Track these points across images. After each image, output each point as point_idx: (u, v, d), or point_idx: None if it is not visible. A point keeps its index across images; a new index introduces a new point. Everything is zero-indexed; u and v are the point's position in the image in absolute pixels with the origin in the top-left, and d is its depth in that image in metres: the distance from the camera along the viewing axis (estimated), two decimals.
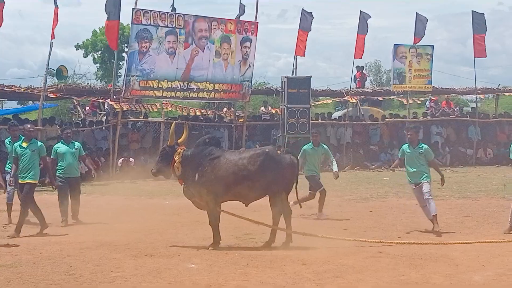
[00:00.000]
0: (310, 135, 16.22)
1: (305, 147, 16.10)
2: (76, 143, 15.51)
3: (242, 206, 12.46)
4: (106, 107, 27.04)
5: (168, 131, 26.59)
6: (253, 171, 11.82)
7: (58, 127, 24.10)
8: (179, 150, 12.23)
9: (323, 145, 16.43)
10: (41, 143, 13.85)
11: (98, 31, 50.03)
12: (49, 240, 12.69)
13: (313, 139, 16.26)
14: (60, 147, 15.00)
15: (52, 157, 15.00)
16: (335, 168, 16.01)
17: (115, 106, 24.74)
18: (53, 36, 23.90)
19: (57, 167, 14.87)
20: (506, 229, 13.28)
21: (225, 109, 29.54)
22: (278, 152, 12.43)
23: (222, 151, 12.40)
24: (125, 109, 25.02)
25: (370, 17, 30.34)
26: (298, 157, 14.00)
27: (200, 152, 12.17)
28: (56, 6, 23.86)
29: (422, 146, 13.92)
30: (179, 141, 12.57)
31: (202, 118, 28.29)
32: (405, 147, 14.15)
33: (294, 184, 12.20)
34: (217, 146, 12.43)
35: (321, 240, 11.97)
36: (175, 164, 12.07)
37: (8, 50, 76.47)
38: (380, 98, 33.31)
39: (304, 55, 29.67)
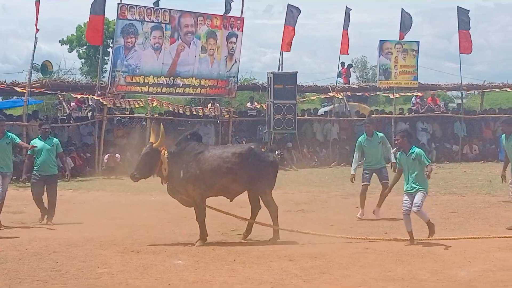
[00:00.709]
0: (363, 125, 15.90)
1: (359, 139, 15.49)
2: (54, 139, 14.85)
3: (228, 202, 12.49)
4: (91, 102, 26.92)
5: (155, 127, 26.68)
6: (237, 165, 11.91)
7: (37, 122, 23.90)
8: (163, 150, 12.16)
9: (377, 133, 15.63)
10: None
11: (82, 26, 49.76)
12: (35, 236, 12.62)
13: (366, 129, 15.54)
14: (37, 142, 14.37)
15: (28, 153, 14.68)
16: (392, 159, 15.23)
17: (101, 101, 24.63)
18: (37, 30, 23.75)
19: (33, 164, 14.40)
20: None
21: (209, 105, 29.49)
22: (262, 149, 12.49)
23: (206, 146, 12.50)
24: (110, 105, 24.90)
25: (351, 9, 30.31)
26: (355, 152, 15.05)
27: (183, 148, 12.15)
28: (38, 0, 23.63)
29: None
30: (154, 145, 12.42)
31: (188, 114, 28.17)
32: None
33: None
34: (199, 141, 12.42)
35: (307, 236, 11.98)
36: (163, 165, 12.00)
37: None
38: (366, 94, 33.33)
39: (289, 50, 29.63)
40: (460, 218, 14.79)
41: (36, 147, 13.93)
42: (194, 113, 27.27)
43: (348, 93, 31.99)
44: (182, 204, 12.39)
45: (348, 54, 31.80)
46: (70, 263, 10.39)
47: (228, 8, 27.22)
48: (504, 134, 14.34)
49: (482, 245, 11.82)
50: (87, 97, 26.60)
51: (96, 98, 24.94)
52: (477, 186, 20.40)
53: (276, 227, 12.09)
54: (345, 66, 33.84)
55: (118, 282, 9.26)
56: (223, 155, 12.00)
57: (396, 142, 12.85)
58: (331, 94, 30.20)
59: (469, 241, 12.15)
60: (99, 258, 10.80)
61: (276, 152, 26.79)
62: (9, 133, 13.77)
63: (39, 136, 14.76)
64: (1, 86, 24.20)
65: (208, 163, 11.91)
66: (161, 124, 13.18)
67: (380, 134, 15.54)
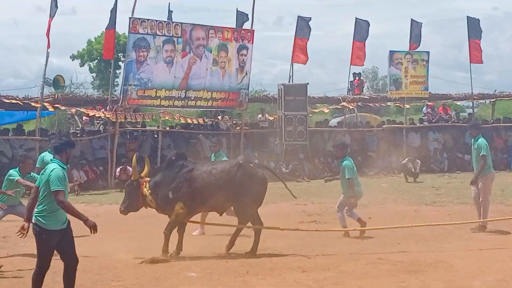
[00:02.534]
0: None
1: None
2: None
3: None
4: (102, 116, 27.03)
5: (166, 139, 26.82)
6: (226, 181, 11.96)
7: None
8: (144, 182, 12.24)
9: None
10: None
11: (93, 40, 50.03)
12: None
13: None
14: (47, 156, 14.59)
15: (37, 166, 14.76)
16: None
17: (111, 118, 24.78)
18: (48, 46, 23.98)
19: None
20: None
21: (219, 117, 29.55)
22: (251, 165, 12.62)
23: (194, 163, 12.47)
24: (120, 120, 25.00)
25: (367, 23, 30.39)
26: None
27: (170, 171, 12.24)
28: (51, 16, 23.89)
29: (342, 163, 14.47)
30: (142, 174, 12.57)
31: (202, 123, 28.24)
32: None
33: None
34: (185, 159, 12.46)
35: (321, 247, 11.99)
36: (147, 198, 12.11)
37: (3, 59, 76.38)
38: (377, 104, 33.33)
39: (305, 63, 29.71)
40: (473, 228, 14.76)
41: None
42: (209, 122, 27.40)
43: (359, 104, 32.01)
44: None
45: (362, 65, 31.91)
46: (85, 276, 10.45)
47: (245, 20, 27.35)
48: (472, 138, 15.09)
49: (496, 254, 11.81)
50: (99, 114, 26.65)
51: (107, 115, 25.01)
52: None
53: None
54: (357, 77, 33.87)
55: None
56: (213, 171, 12.07)
57: (334, 152, 14.18)
58: (343, 104, 30.19)
59: (483, 250, 12.15)
60: (113, 271, 10.86)
61: (290, 165, 26.91)
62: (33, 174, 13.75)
63: (49, 149, 14.85)
64: (14, 101, 24.35)
65: (200, 180, 12.00)
66: (133, 156, 13.23)
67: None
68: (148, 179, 12.43)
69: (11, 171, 12.63)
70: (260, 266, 11.04)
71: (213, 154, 15.75)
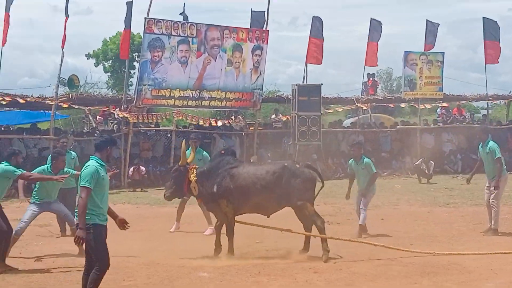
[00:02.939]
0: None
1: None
2: (73, 153, 15.41)
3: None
4: (116, 116, 27.11)
5: (179, 141, 26.84)
6: (271, 183, 11.88)
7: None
8: (192, 169, 12.24)
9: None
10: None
11: (108, 40, 50.22)
12: (61, 248, 12.74)
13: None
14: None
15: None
16: None
17: (126, 116, 24.84)
18: (63, 45, 24.09)
19: None
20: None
21: (233, 117, 29.55)
22: (297, 166, 12.47)
23: (240, 162, 12.57)
24: (135, 121, 25.04)
25: (381, 23, 30.36)
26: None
27: (217, 164, 12.24)
28: (67, 16, 24.03)
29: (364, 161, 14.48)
30: (188, 160, 12.61)
31: (214, 125, 28.25)
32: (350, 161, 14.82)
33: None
34: (233, 156, 12.53)
35: (333, 248, 11.95)
36: (192, 184, 12.07)
37: (19, 59, 76.61)
38: (391, 105, 33.25)
39: (321, 63, 29.69)
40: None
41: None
42: (220, 124, 27.42)
43: (374, 104, 31.94)
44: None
45: (376, 66, 31.83)
46: None
47: (255, 25, 27.35)
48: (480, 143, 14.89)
49: (509, 256, 11.75)
50: (113, 111, 26.72)
51: (121, 114, 25.08)
52: (504, 197, 20.12)
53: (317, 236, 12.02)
54: (371, 78, 33.79)
55: None
56: (257, 172, 12.02)
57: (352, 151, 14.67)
58: (357, 105, 30.14)
59: (496, 252, 12.08)
60: (125, 270, 10.89)
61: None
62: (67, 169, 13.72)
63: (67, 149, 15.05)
64: (29, 100, 24.47)
65: (242, 179, 11.95)
66: (182, 142, 13.22)
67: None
68: (195, 166, 12.48)
69: (6, 167, 11.92)
70: (272, 266, 11.04)
71: (189, 149, 15.34)
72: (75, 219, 9.46)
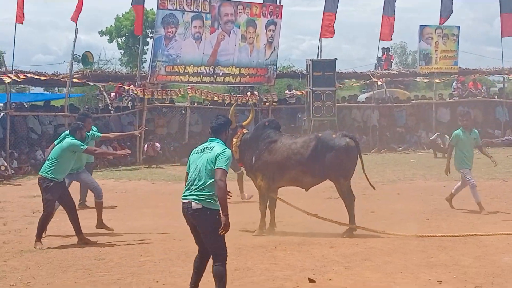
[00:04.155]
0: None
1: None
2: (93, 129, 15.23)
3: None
4: (131, 92, 27.11)
5: (194, 117, 26.85)
6: (306, 156, 11.72)
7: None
8: (239, 133, 12.17)
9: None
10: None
11: (121, 16, 50.12)
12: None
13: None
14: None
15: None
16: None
17: (138, 93, 24.84)
18: (76, 22, 24.06)
19: None
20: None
21: (248, 93, 29.51)
22: (334, 136, 12.06)
23: (280, 135, 12.22)
24: (148, 96, 25.01)
25: None
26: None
27: (258, 135, 12.14)
28: None
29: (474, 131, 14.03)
30: (243, 123, 12.56)
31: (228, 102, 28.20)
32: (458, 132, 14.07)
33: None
34: (276, 129, 12.28)
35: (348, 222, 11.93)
36: (233, 147, 11.90)
37: (32, 36, 76.75)
38: (406, 79, 33.08)
39: (332, 37, 29.50)
40: (503, 203, 14.66)
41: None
42: (233, 102, 27.38)
43: (389, 79, 31.79)
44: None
45: (391, 40, 31.63)
46: (113, 252, 10.54)
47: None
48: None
49: None
50: (128, 88, 26.71)
51: (135, 91, 25.05)
52: (504, 173, 20.11)
53: (353, 226, 11.77)
54: (385, 53, 33.58)
55: (160, 270, 9.36)
56: (292, 146, 11.87)
57: (464, 121, 13.93)
58: (372, 80, 30.00)
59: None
60: (142, 246, 10.93)
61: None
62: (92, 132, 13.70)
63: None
64: (43, 77, 24.49)
65: (279, 153, 11.84)
66: (232, 106, 13.23)
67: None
68: (246, 130, 12.45)
69: (73, 141, 11.45)
70: (288, 241, 11.05)
71: None
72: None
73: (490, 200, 15.06)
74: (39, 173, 11.48)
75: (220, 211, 7.55)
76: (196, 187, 7.66)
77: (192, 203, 7.64)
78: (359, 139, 27.27)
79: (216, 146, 7.74)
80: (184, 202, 7.74)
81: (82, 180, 12.84)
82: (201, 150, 7.85)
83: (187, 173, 7.91)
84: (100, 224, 12.32)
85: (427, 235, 11.36)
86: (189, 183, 7.77)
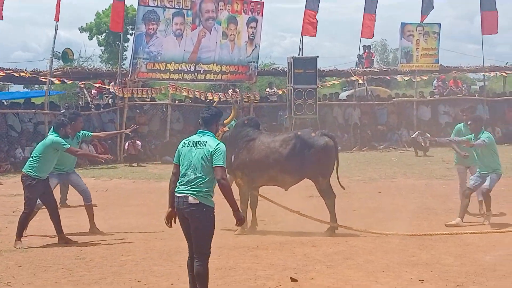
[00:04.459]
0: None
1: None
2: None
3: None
4: (111, 90, 27.00)
5: (175, 113, 26.77)
6: (284, 154, 11.71)
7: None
8: (220, 131, 12.00)
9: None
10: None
11: (101, 13, 49.92)
12: None
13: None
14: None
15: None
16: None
17: (118, 93, 24.75)
18: (57, 19, 23.86)
19: None
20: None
21: (230, 91, 29.46)
22: (313, 134, 12.03)
23: (259, 133, 12.20)
24: (128, 95, 24.90)
25: None
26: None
27: (238, 133, 12.11)
28: None
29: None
30: (225, 121, 12.45)
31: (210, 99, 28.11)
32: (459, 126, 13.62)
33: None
34: (255, 127, 12.25)
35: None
36: None
37: (11, 32, 76.22)
38: (387, 77, 33.16)
39: (314, 35, 29.49)
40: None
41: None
42: (215, 98, 27.32)
43: (370, 77, 31.83)
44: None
45: (372, 38, 31.66)
46: (94, 251, 10.48)
47: None
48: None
49: (506, 228, 11.78)
50: (108, 87, 26.57)
51: (116, 89, 24.91)
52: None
53: (334, 224, 11.76)
54: (367, 50, 33.63)
55: (142, 269, 9.32)
56: (271, 144, 11.85)
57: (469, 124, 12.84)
58: (353, 78, 30.02)
59: (493, 225, 12.11)
60: (123, 245, 10.88)
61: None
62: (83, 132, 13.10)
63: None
64: (23, 75, 24.31)
65: (257, 152, 11.82)
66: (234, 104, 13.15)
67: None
68: (227, 128, 12.37)
69: (56, 138, 11.18)
70: (270, 240, 11.04)
71: None
72: None
73: (473, 199, 15.08)
74: (22, 170, 11.35)
75: (216, 209, 7.67)
76: (193, 183, 7.59)
77: (189, 197, 7.56)
78: (340, 137, 27.71)
79: (209, 141, 7.68)
80: (179, 196, 7.64)
81: (71, 182, 12.57)
82: (193, 143, 7.73)
83: (176, 165, 7.82)
84: (93, 228, 12.13)
85: (409, 234, 11.39)
86: (184, 178, 7.67)
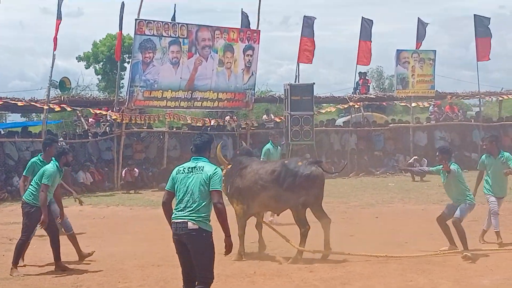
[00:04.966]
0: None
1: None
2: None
3: None
4: (109, 118, 27.05)
5: (172, 140, 26.80)
6: (270, 182, 11.83)
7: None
8: (224, 168, 12.27)
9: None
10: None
11: (98, 42, 50.15)
12: None
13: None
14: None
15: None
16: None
17: (117, 118, 24.79)
18: (55, 48, 23.99)
19: None
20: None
21: (227, 118, 29.52)
22: (299, 163, 12.02)
23: (252, 161, 12.44)
24: (126, 121, 24.97)
25: (372, 22, 30.36)
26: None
27: (233, 165, 12.42)
28: (59, 19, 23.95)
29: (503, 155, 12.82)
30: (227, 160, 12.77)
31: (208, 125, 28.12)
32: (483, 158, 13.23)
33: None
34: (248, 155, 12.60)
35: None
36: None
37: (9, 62, 76.36)
38: (384, 103, 33.28)
39: (311, 62, 29.68)
40: (481, 226, 14.66)
41: None
42: (214, 123, 27.39)
43: (366, 103, 31.94)
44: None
45: (368, 64, 31.81)
46: (91, 278, 10.45)
47: (246, 24, 27.35)
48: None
49: (504, 253, 11.77)
50: (106, 114, 26.62)
51: (113, 116, 24.97)
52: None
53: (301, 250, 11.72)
54: (363, 77, 33.81)
55: None
56: (259, 171, 12.01)
57: (484, 146, 12.93)
58: (350, 104, 30.11)
59: (491, 249, 12.10)
60: (120, 272, 10.85)
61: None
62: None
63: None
64: (20, 103, 24.37)
65: (248, 178, 12.00)
66: (218, 145, 13.14)
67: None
68: (230, 166, 12.50)
69: (47, 168, 11.10)
70: (267, 266, 11.02)
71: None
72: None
73: (468, 223, 15.04)
74: (22, 197, 11.34)
75: (218, 233, 7.66)
76: (191, 208, 7.63)
77: (189, 223, 7.59)
78: (337, 163, 27.71)
79: (206, 166, 7.74)
80: (178, 222, 7.68)
81: (52, 212, 12.50)
82: (189, 169, 7.79)
83: (169, 191, 7.86)
84: (81, 256, 12.05)
85: (395, 256, 11.40)
86: (181, 204, 7.71)
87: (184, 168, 7.83)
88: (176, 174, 7.85)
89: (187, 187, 7.69)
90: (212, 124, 28.00)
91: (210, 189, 7.61)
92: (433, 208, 17.93)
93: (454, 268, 10.64)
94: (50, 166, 11.12)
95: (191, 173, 7.74)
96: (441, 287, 9.48)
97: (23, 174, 12.13)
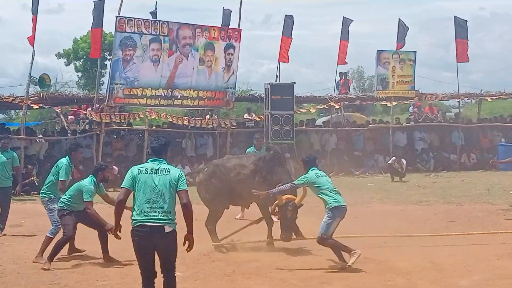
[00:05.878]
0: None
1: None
2: (13, 153, 15.17)
3: None
4: (88, 115, 26.86)
5: (150, 138, 26.67)
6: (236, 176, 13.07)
7: None
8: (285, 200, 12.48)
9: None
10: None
11: (79, 39, 49.81)
12: (33, 249, 12.57)
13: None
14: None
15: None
16: None
17: (95, 118, 24.65)
18: (32, 44, 23.75)
19: None
20: None
21: (207, 116, 29.46)
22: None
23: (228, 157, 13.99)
24: (106, 120, 24.82)
25: (352, 21, 30.39)
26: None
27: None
28: (34, 14, 23.70)
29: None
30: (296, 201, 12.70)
31: (187, 124, 28.02)
32: None
33: None
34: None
35: (308, 246, 11.94)
36: None
37: None
38: (364, 103, 33.36)
39: (288, 61, 29.63)
40: (459, 227, 14.77)
41: None
42: (192, 125, 27.28)
43: (346, 103, 32.00)
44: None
45: (346, 63, 31.81)
46: (69, 276, 10.40)
47: (227, 23, 27.31)
48: None
49: (482, 253, 11.82)
50: (86, 113, 26.44)
51: (93, 115, 24.80)
52: (476, 195, 20.39)
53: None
54: (343, 77, 33.87)
55: None
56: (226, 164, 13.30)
57: None
58: (330, 104, 30.13)
59: (470, 249, 12.16)
60: (98, 270, 10.80)
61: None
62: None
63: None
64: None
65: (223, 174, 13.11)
66: None
67: None
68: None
69: (87, 186, 11.63)
70: (246, 265, 11.00)
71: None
72: None
73: (446, 224, 15.19)
74: (57, 204, 11.78)
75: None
76: (163, 209, 7.79)
77: (165, 226, 7.76)
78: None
79: (170, 168, 7.94)
80: (154, 226, 7.79)
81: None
82: (152, 170, 7.91)
83: (128, 189, 8.02)
84: (38, 257, 11.65)
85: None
86: (149, 205, 7.81)
87: (147, 169, 7.94)
88: (138, 174, 7.94)
89: (153, 188, 7.82)
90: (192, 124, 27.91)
91: (179, 189, 7.80)
92: (412, 209, 18.08)
93: (433, 269, 10.67)
94: (88, 182, 11.47)
95: (156, 174, 7.87)
96: (419, 287, 9.50)
97: (63, 178, 12.35)
